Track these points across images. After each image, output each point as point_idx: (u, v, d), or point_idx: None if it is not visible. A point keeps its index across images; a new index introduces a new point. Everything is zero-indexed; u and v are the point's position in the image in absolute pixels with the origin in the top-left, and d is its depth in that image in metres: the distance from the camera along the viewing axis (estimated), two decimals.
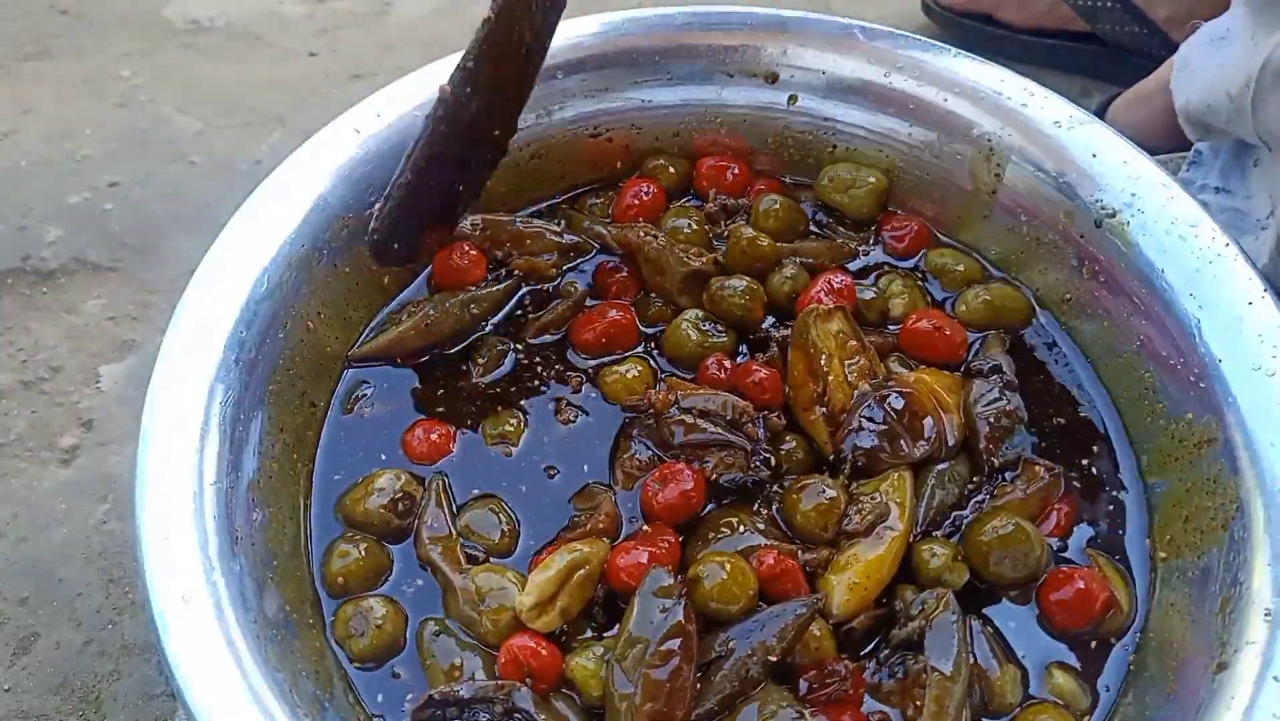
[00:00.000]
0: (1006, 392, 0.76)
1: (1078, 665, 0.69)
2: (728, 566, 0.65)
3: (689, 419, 0.71)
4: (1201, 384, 0.72)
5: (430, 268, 0.82)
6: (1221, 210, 0.90)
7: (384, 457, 0.74)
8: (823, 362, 0.74)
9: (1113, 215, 0.77)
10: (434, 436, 0.74)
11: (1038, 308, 0.83)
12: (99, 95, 1.27)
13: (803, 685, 0.65)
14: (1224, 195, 0.92)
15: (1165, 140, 1.01)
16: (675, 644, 0.62)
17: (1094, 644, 0.70)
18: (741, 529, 0.69)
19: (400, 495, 0.70)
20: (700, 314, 0.79)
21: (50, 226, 1.14)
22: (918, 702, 0.64)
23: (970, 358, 0.79)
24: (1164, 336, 0.75)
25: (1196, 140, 0.95)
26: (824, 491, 0.70)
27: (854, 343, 0.75)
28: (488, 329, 0.80)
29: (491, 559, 0.70)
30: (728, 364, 0.76)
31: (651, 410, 0.73)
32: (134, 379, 1.04)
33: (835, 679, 0.64)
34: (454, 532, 0.70)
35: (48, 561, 0.93)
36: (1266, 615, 0.63)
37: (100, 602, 0.91)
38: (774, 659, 0.63)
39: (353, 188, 0.77)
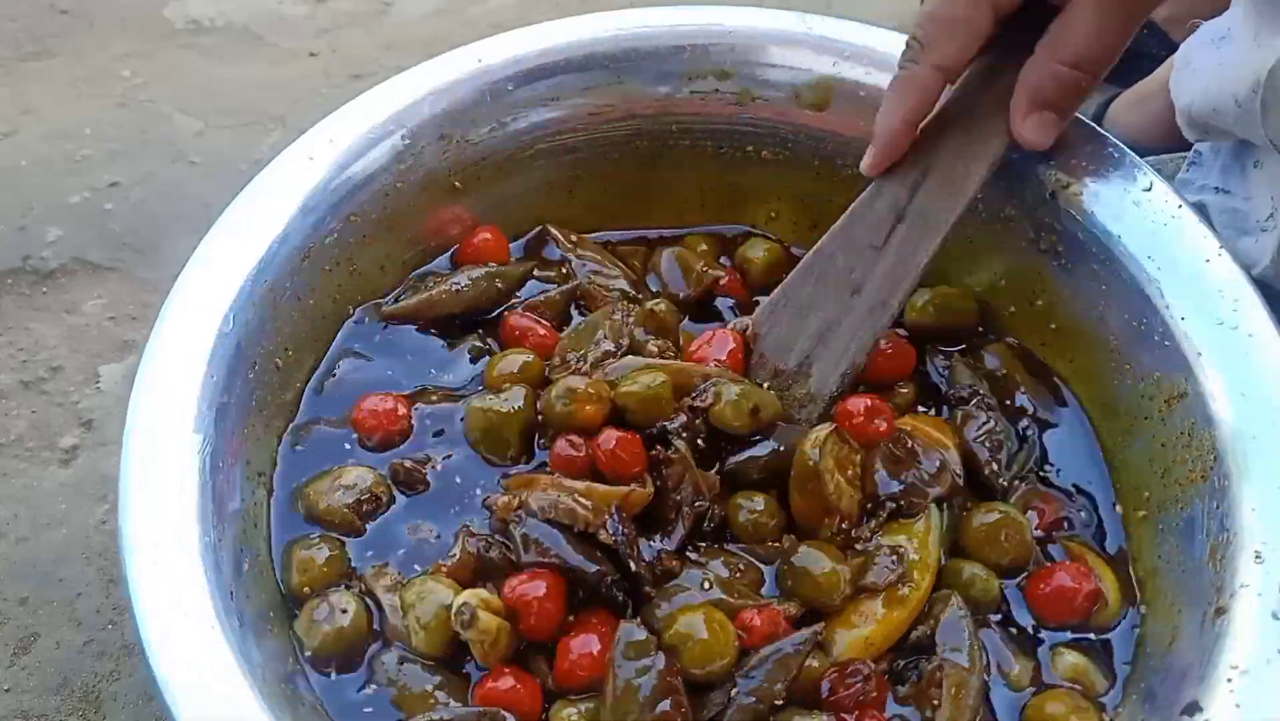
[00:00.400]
0: (990, 413, 0.76)
1: (1086, 646, 0.70)
2: (703, 621, 0.62)
3: (533, 534, 0.64)
4: (1166, 343, 0.72)
5: (456, 248, 0.83)
6: (1221, 211, 0.90)
7: (347, 447, 0.73)
8: (832, 491, 0.68)
9: (1066, 186, 0.77)
10: (384, 406, 0.72)
11: (986, 301, 0.83)
12: (99, 95, 1.27)
13: (824, 685, 0.64)
14: (1224, 196, 0.92)
15: (1165, 140, 1.01)
16: (666, 705, 0.59)
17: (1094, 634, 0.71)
18: (705, 584, 0.66)
19: (367, 496, 0.68)
20: (571, 386, 0.72)
21: (50, 226, 1.14)
22: (935, 702, 0.64)
23: (946, 389, 0.79)
24: (1125, 302, 0.75)
25: (1195, 141, 0.95)
26: (824, 563, 0.67)
27: (846, 447, 0.70)
28: (512, 303, 0.81)
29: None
30: (580, 440, 0.69)
31: (492, 515, 0.67)
32: (134, 379, 1.04)
33: (858, 679, 0.63)
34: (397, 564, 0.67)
35: (48, 561, 0.93)
36: (1257, 557, 0.64)
37: (100, 602, 0.91)
38: (780, 701, 0.62)
39: (310, 216, 0.75)
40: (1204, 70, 0.91)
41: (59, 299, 1.09)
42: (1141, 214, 0.76)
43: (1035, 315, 0.81)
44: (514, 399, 0.71)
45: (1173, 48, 1.01)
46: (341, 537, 0.69)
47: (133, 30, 1.35)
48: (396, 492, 0.70)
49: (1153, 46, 1.21)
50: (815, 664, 0.64)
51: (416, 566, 0.68)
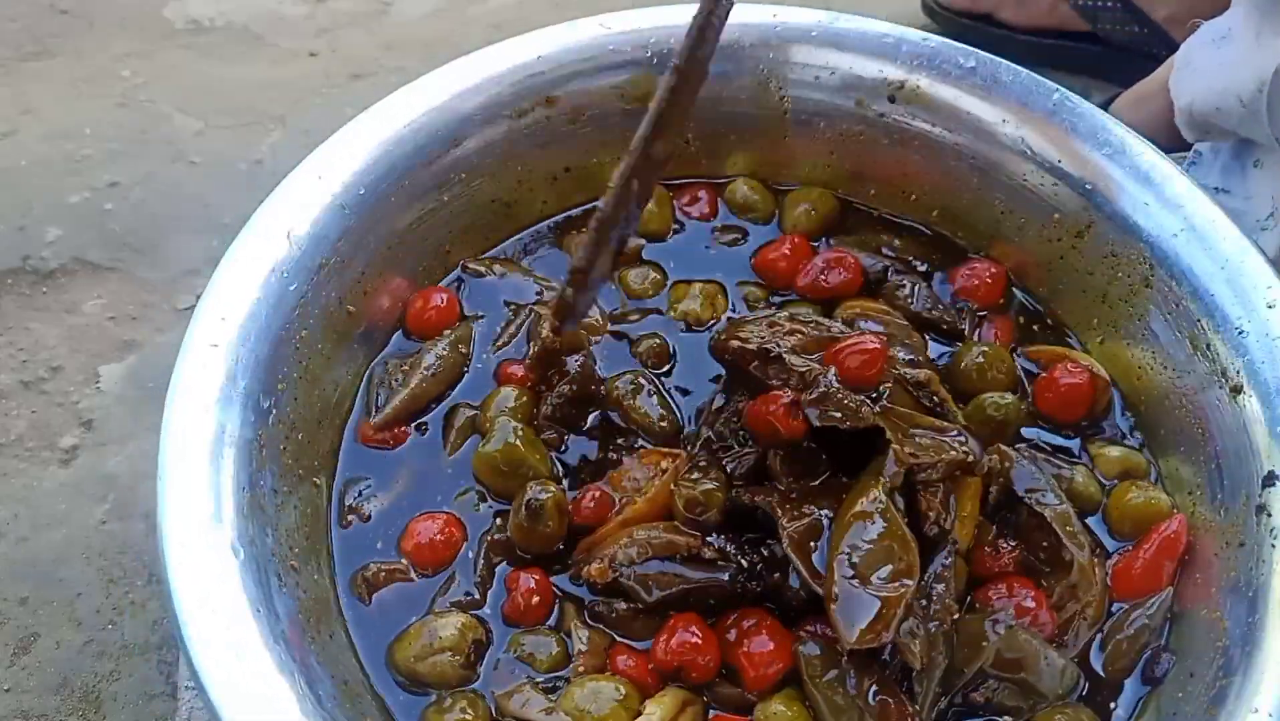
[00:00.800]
0: (907, 276, 0.82)
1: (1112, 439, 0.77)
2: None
3: (647, 574, 0.67)
4: (1056, 187, 0.80)
5: (404, 324, 0.80)
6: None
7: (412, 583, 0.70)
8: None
9: (901, 86, 0.83)
10: (437, 535, 0.70)
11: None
12: (99, 95, 1.27)
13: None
14: (1223, 195, 0.92)
15: (1166, 140, 1.01)
16: (875, 693, 0.62)
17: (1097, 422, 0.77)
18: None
19: (472, 646, 0.66)
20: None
21: (50, 226, 1.14)
22: (1045, 542, 0.69)
23: (884, 276, 0.83)
24: (999, 167, 0.82)
25: (1195, 141, 0.95)
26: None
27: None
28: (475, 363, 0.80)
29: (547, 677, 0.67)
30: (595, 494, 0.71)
31: (596, 586, 0.68)
32: (134, 379, 1.04)
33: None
34: (529, 677, 0.66)
35: (48, 561, 0.93)
36: (1240, 332, 0.71)
37: (100, 602, 0.91)
38: (955, 614, 0.64)
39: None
40: (1205, 70, 0.91)
41: (59, 299, 1.09)
42: (978, 77, 0.82)
43: (913, 207, 0.87)
44: (503, 434, 0.71)
45: (1173, 47, 1.01)
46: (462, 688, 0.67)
47: (133, 30, 1.35)
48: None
49: (1153, 46, 1.21)
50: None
51: (542, 670, 0.66)
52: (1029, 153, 0.81)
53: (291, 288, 0.72)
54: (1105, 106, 1.16)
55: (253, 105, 1.27)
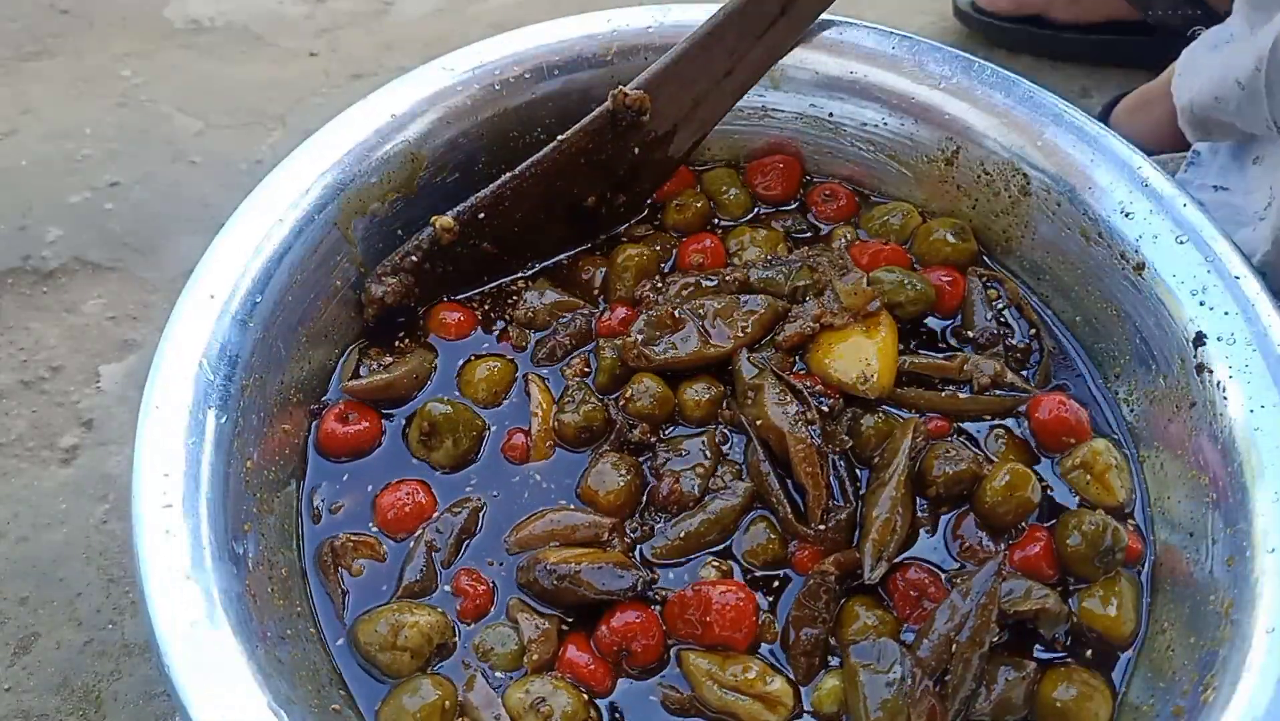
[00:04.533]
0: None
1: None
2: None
3: (561, 582, 0.67)
4: (915, 125, 0.82)
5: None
6: (1219, 207, 0.90)
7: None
8: None
9: None
10: (411, 501, 0.71)
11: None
12: (99, 95, 1.27)
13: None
14: (1222, 193, 0.92)
15: (1168, 145, 1.01)
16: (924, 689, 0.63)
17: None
18: None
19: (435, 650, 0.66)
20: None
21: (50, 226, 1.14)
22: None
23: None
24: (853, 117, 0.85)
25: (1196, 141, 0.96)
26: None
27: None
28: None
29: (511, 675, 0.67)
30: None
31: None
32: (134, 379, 1.04)
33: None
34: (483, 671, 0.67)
35: (48, 561, 0.93)
36: (1127, 215, 0.74)
37: (100, 602, 0.91)
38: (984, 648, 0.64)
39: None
40: (1207, 68, 0.91)
41: (59, 299, 1.09)
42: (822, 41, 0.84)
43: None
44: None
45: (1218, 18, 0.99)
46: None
47: (133, 30, 1.35)
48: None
49: (1208, 28, 1.17)
50: None
51: (501, 664, 0.66)
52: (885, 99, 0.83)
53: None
54: (1109, 110, 1.16)
55: (253, 105, 1.27)
